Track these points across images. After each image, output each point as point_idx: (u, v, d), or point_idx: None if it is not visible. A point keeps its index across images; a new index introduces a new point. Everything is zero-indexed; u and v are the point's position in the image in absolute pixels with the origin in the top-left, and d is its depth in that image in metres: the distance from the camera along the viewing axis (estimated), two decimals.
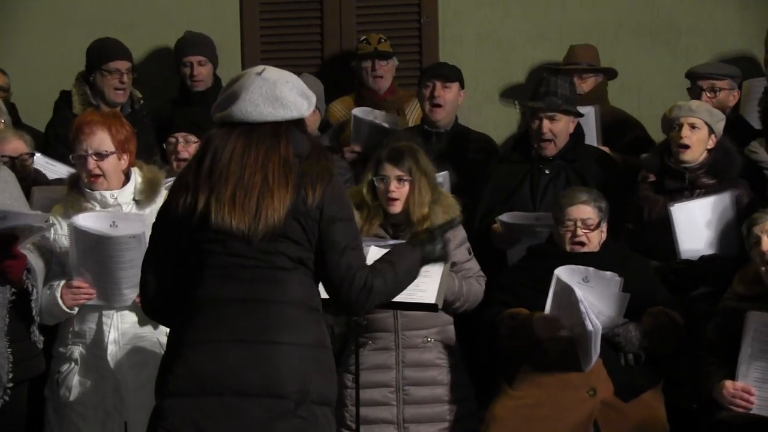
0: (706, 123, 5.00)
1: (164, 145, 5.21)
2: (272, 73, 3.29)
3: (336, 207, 3.22)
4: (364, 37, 6.20)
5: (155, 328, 4.28)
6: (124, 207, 4.34)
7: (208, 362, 3.14)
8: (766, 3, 6.30)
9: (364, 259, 3.31)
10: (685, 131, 4.97)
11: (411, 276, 3.41)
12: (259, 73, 3.27)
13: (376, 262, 3.35)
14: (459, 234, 4.73)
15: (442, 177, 5.11)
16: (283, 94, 3.24)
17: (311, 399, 3.16)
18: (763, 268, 4.34)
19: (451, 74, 5.72)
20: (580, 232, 4.69)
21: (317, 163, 3.24)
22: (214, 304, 3.18)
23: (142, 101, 5.93)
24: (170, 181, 4.69)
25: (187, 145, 5.12)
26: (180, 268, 3.25)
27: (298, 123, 3.29)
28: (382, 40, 6.14)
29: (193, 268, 3.23)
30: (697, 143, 4.98)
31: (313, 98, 3.32)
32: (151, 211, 4.21)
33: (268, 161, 3.18)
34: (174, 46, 6.33)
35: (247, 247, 3.17)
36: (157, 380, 3.25)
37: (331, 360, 3.29)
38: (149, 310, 3.42)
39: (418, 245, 3.43)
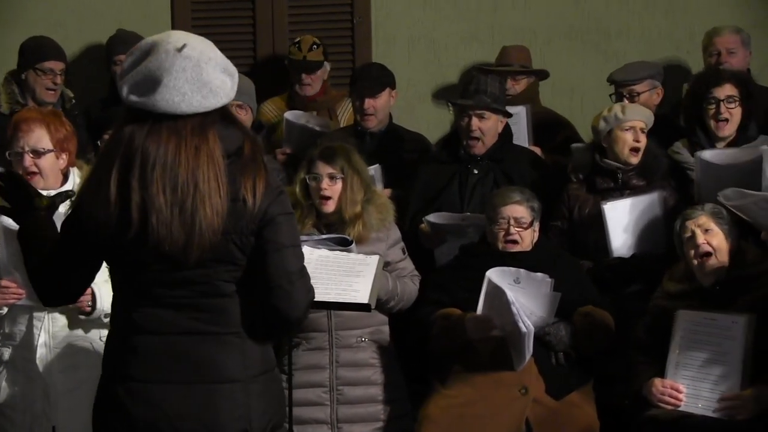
0: (647, 126, 5.09)
1: (98, 142, 5.15)
2: (193, 49, 2.84)
3: (277, 206, 2.90)
4: (297, 39, 6.16)
5: (87, 331, 4.23)
6: (60, 207, 4.27)
7: (143, 407, 2.90)
8: (694, 7, 6.39)
9: (303, 260, 2.98)
10: (639, 135, 5.05)
11: None
12: (179, 50, 2.82)
13: None
14: (393, 233, 4.74)
15: (374, 170, 5.12)
16: (210, 77, 2.83)
17: None
18: (696, 262, 4.40)
19: (379, 85, 5.67)
20: (513, 230, 4.73)
21: (251, 161, 2.88)
22: (147, 336, 2.91)
23: (74, 101, 5.86)
24: None
25: None
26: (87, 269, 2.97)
27: (223, 112, 2.90)
28: (315, 47, 6.08)
29: (123, 290, 2.95)
30: (644, 147, 5.07)
31: (236, 74, 2.92)
32: None
33: (197, 165, 2.80)
34: (105, 45, 6.26)
35: (184, 270, 2.84)
36: (93, 416, 3.05)
37: (275, 381, 3.07)
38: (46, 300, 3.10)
39: None
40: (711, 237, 4.39)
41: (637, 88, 5.67)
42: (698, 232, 4.39)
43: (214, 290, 2.90)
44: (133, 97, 2.83)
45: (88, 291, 4.12)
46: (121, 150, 2.82)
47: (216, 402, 2.91)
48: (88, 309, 4.15)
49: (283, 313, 2.93)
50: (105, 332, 4.18)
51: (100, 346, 4.20)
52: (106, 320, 4.17)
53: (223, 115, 2.89)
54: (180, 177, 2.79)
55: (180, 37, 2.88)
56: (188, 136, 2.81)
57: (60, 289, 3.03)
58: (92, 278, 3.06)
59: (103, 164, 2.87)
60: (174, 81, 2.80)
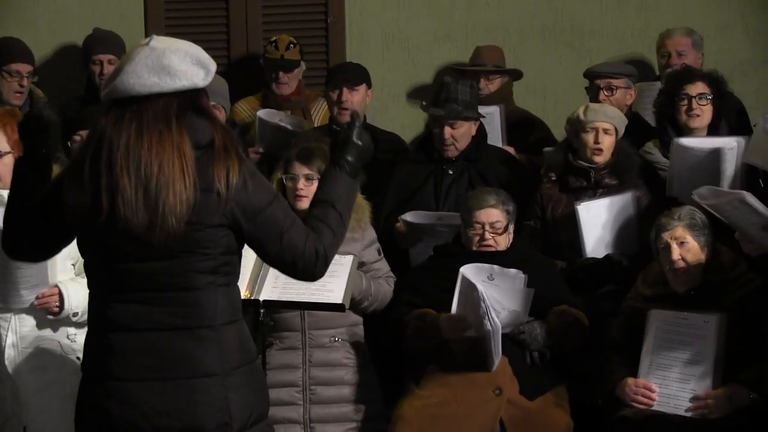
0: (616, 128, 5.10)
1: (68, 143, 5.12)
2: (161, 41, 2.93)
3: (259, 194, 2.94)
4: (273, 39, 6.14)
5: (55, 331, 4.20)
6: None
7: (124, 405, 2.93)
8: (666, 7, 6.42)
9: (303, 228, 3.01)
10: (601, 136, 5.06)
11: (352, 196, 3.14)
12: (147, 43, 2.92)
13: (313, 210, 3.07)
14: (368, 234, 4.74)
15: None
16: (171, 63, 2.88)
17: (236, 429, 2.98)
18: (671, 276, 4.42)
19: (357, 77, 5.70)
20: (488, 235, 4.73)
21: (222, 151, 2.90)
22: (121, 332, 2.93)
23: (44, 100, 5.83)
24: None
25: None
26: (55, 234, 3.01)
27: (194, 101, 2.93)
28: (292, 46, 6.08)
29: (96, 285, 2.99)
30: (609, 147, 5.08)
31: (212, 66, 2.96)
32: None
33: (162, 150, 2.85)
34: (82, 44, 6.22)
35: (154, 261, 2.89)
36: (75, 417, 3.07)
37: (256, 372, 3.09)
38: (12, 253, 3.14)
39: (341, 162, 3.12)
40: (686, 251, 4.39)
41: (615, 82, 5.68)
42: (674, 245, 4.40)
43: (187, 283, 2.92)
44: (103, 90, 2.95)
45: (56, 291, 4.11)
46: (93, 138, 2.92)
47: (193, 397, 2.93)
48: (56, 309, 4.13)
49: (305, 278, 3.07)
50: (73, 331, 4.22)
51: (69, 345, 4.21)
52: (74, 320, 4.17)
53: (194, 105, 2.93)
54: (143, 158, 2.85)
55: (155, 36, 2.96)
56: (150, 121, 2.87)
57: (26, 243, 3.08)
58: (59, 249, 3.13)
59: (78, 153, 2.96)
60: (133, 67, 2.89)
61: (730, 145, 4.79)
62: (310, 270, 3.02)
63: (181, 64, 2.90)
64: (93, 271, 3.01)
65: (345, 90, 5.64)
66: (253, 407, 3.03)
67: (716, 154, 4.79)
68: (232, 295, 3.02)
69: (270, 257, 3.02)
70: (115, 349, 2.94)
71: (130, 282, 2.93)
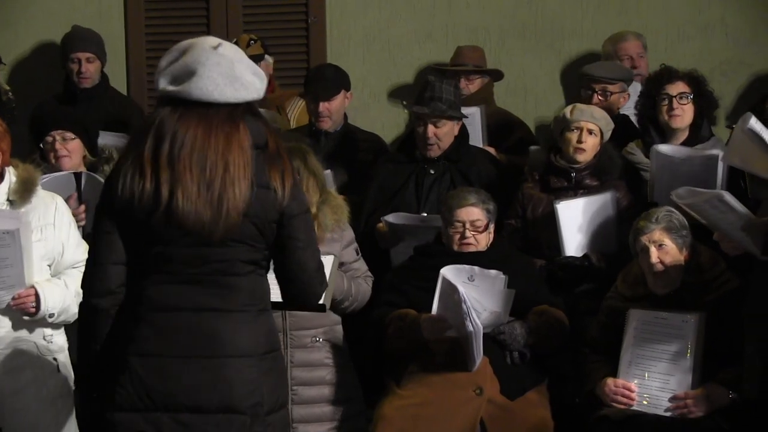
0: (601, 131, 5.12)
1: (41, 145, 5.08)
2: (228, 49, 3.07)
3: (297, 201, 3.09)
4: (234, 41, 6.13)
5: (31, 332, 4.18)
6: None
7: (159, 379, 3.02)
8: (646, 8, 6.44)
9: (318, 253, 3.20)
10: (585, 135, 5.08)
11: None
12: (215, 48, 3.05)
13: None
14: (347, 234, 4.73)
15: (326, 175, 5.10)
16: (242, 74, 3.04)
17: (266, 411, 3.07)
18: (651, 278, 4.43)
19: (333, 88, 5.66)
20: (468, 234, 4.74)
21: (277, 155, 3.08)
22: (163, 312, 3.04)
23: (10, 94, 5.78)
24: (46, 178, 4.60)
25: (64, 143, 5.01)
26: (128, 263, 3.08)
27: (251, 107, 3.11)
28: (252, 42, 6.06)
29: (140, 265, 3.06)
30: (592, 147, 5.10)
31: (265, 78, 3.14)
32: (26, 211, 4.11)
33: (228, 151, 3.00)
34: (61, 42, 6.20)
35: (203, 247, 3.00)
36: (101, 389, 3.09)
37: (281, 362, 3.21)
38: (90, 308, 3.12)
39: None
40: (664, 254, 4.41)
41: (611, 87, 5.69)
42: (652, 248, 4.41)
43: (231, 269, 3.04)
44: (169, 87, 3.03)
45: (32, 292, 4.10)
46: (152, 132, 3.02)
47: (229, 376, 3.03)
48: (33, 310, 4.11)
49: (300, 301, 3.21)
50: (50, 332, 4.20)
51: (45, 346, 4.19)
52: (51, 320, 4.15)
53: (251, 110, 3.09)
54: (209, 159, 2.98)
55: (216, 39, 3.10)
56: (219, 124, 3.01)
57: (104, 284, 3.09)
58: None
59: (134, 145, 3.06)
60: (209, 72, 3.01)
61: (711, 153, 4.81)
62: (309, 292, 3.17)
63: (247, 74, 3.06)
64: (136, 252, 3.06)
65: (321, 102, 5.63)
66: (279, 392, 3.15)
67: (696, 161, 4.81)
68: (265, 285, 3.15)
69: (278, 264, 3.13)
70: (155, 327, 3.03)
71: (175, 265, 3.03)
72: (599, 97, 5.61)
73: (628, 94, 5.74)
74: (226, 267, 3.04)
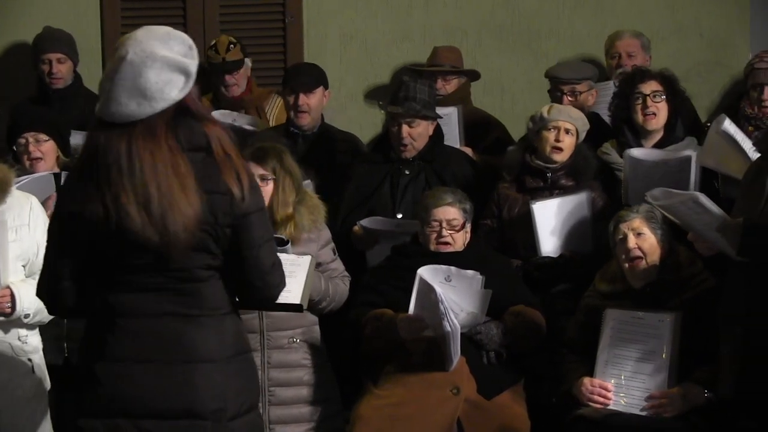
0: (577, 130, 5.14)
1: (14, 147, 5.06)
2: (138, 51, 2.90)
3: (254, 199, 2.99)
4: (213, 42, 6.11)
5: (6, 332, 4.15)
6: None
7: (122, 385, 2.98)
8: (622, 9, 6.46)
9: (275, 251, 3.11)
10: (562, 135, 5.10)
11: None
12: (124, 57, 2.91)
13: None
14: (324, 235, 4.73)
15: (306, 185, 5.08)
16: (147, 83, 2.88)
17: (229, 416, 3.02)
18: (627, 265, 4.46)
19: (313, 81, 5.67)
20: (445, 233, 4.75)
21: (228, 154, 2.95)
22: (126, 318, 2.99)
23: None
24: (22, 180, 4.59)
25: (38, 144, 4.99)
26: (89, 271, 3.02)
27: (181, 108, 2.93)
28: (232, 46, 6.04)
29: (100, 275, 3.01)
30: (568, 147, 5.12)
31: (193, 65, 2.94)
32: (1, 211, 4.10)
33: (154, 171, 2.88)
34: (32, 43, 6.17)
35: (160, 260, 2.93)
36: (73, 396, 3.08)
37: (249, 363, 3.13)
38: (62, 313, 3.20)
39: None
40: (642, 241, 4.44)
41: (579, 87, 5.71)
42: (630, 235, 4.44)
43: (191, 276, 2.98)
44: (96, 107, 2.95)
45: (7, 292, 4.08)
46: (89, 154, 2.95)
47: (193, 381, 2.98)
48: (8, 310, 4.09)
49: (257, 303, 3.20)
50: (25, 333, 4.19)
51: (20, 347, 4.17)
52: (26, 321, 4.13)
53: (180, 110, 2.93)
54: (137, 180, 2.88)
55: (134, 41, 2.94)
56: (139, 142, 2.89)
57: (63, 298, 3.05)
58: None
59: (76, 166, 3.03)
60: (114, 91, 2.90)
61: (683, 156, 4.84)
62: (265, 292, 3.09)
63: (158, 80, 2.89)
64: (97, 261, 3.00)
65: (301, 95, 5.63)
66: (246, 397, 3.07)
67: (669, 164, 4.83)
68: (230, 287, 3.07)
69: (233, 265, 3.03)
70: (117, 332, 2.98)
71: (135, 275, 2.97)
72: (569, 98, 5.63)
73: (596, 91, 5.77)
74: (186, 275, 2.97)
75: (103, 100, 2.92)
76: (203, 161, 2.93)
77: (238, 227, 2.97)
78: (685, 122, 5.24)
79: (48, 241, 3.07)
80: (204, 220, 2.92)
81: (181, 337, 2.98)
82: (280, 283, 3.11)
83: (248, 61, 6.13)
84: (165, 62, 2.90)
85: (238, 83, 6.07)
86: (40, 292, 3.09)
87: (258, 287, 3.06)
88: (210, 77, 6.12)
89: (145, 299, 2.98)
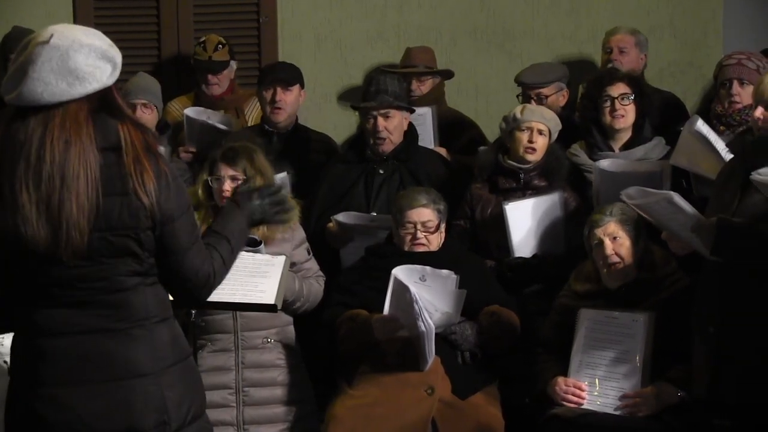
0: (550, 131, 5.15)
1: None
2: (62, 37, 2.76)
3: (172, 203, 2.83)
4: (202, 39, 6.11)
5: None
6: None
7: (53, 411, 2.83)
8: (596, 9, 6.48)
9: (204, 249, 2.96)
10: (535, 136, 5.11)
11: (243, 237, 3.09)
12: (47, 41, 2.74)
13: (207, 239, 3.00)
14: (298, 234, 4.72)
15: (281, 179, 5.09)
16: (78, 65, 2.74)
17: (174, 428, 2.90)
18: (605, 270, 4.47)
19: (291, 77, 5.69)
20: (420, 234, 4.75)
21: (138, 155, 2.78)
22: (49, 338, 2.83)
23: None
24: None
25: None
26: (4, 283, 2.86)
27: (105, 100, 2.80)
28: (220, 47, 6.05)
29: (21, 291, 2.85)
30: (541, 147, 5.13)
31: (118, 57, 2.82)
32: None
33: (66, 159, 2.72)
34: (0, 42, 6.13)
35: (76, 268, 2.77)
36: (6, 426, 2.95)
37: (190, 369, 3.01)
38: None
39: (241, 201, 3.09)
40: (619, 246, 4.46)
41: (545, 91, 5.74)
42: (607, 241, 4.46)
43: (114, 285, 2.84)
44: (6, 95, 2.77)
45: None
46: None
47: (129, 398, 2.86)
48: None
49: (188, 304, 3.16)
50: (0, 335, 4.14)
51: None
52: None
53: (104, 103, 2.82)
54: (44, 171, 2.73)
55: (55, 29, 2.80)
56: (56, 129, 2.74)
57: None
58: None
59: None
60: (38, 72, 2.74)
61: (652, 170, 4.86)
62: (197, 292, 2.96)
63: (88, 63, 2.77)
64: (14, 278, 2.86)
65: (279, 89, 5.63)
66: (189, 404, 2.96)
67: (639, 176, 4.83)
68: (161, 293, 2.95)
69: (163, 269, 2.91)
70: (45, 355, 2.84)
71: (54, 288, 2.82)
72: (535, 103, 5.64)
73: (567, 91, 5.78)
74: (108, 285, 2.82)
75: (24, 84, 2.73)
76: (113, 160, 2.78)
77: (162, 233, 2.84)
78: (654, 122, 5.26)
79: None
80: (112, 224, 2.78)
81: (112, 354, 2.84)
82: (210, 285, 2.97)
83: (233, 64, 6.13)
84: (91, 49, 2.79)
85: (219, 83, 6.07)
86: None
87: (187, 289, 2.95)
88: (194, 73, 6.11)
89: (70, 315, 2.83)
